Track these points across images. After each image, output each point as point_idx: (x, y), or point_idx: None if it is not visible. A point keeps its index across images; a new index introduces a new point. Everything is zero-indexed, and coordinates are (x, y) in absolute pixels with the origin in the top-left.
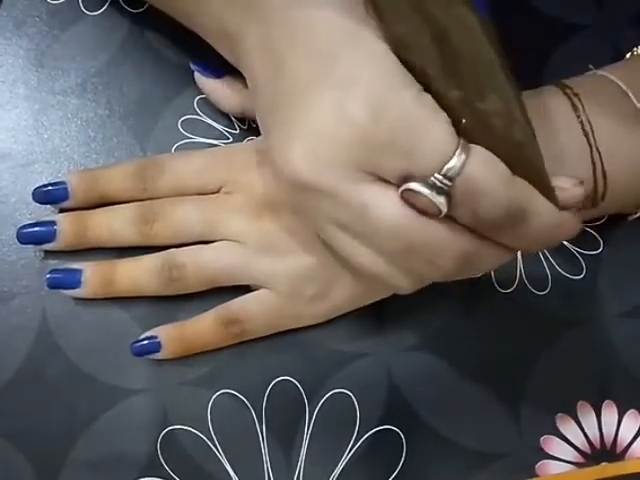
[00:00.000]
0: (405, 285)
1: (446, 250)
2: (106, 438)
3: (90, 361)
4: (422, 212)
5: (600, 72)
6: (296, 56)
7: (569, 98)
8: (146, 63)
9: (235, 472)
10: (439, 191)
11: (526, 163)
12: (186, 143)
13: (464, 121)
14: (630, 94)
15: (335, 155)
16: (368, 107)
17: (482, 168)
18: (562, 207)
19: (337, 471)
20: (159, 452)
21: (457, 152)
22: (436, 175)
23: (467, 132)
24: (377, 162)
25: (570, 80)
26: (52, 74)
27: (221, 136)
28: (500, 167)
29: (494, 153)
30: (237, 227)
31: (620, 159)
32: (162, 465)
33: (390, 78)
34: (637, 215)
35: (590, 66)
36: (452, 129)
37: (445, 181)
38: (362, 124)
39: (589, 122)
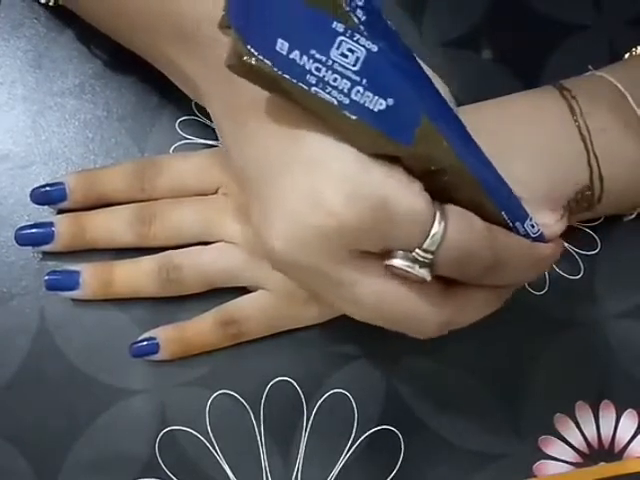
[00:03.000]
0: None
1: (426, 322)
2: (105, 438)
3: (89, 362)
4: (406, 278)
5: (599, 73)
6: (265, 132)
7: (567, 101)
8: (144, 64)
9: (233, 473)
10: (421, 264)
11: (488, 204)
12: (184, 144)
13: (447, 177)
14: (629, 97)
15: (315, 241)
16: (340, 192)
17: (461, 231)
18: (547, 241)
19: (335, 471)
20: (157, 453)
21: (435, 222)
22: (417, 251)
23: (444, 188)
24: (357, 244)
25: (568, 81)
26: (50, 75)
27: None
28: (476, 222)
29: (467, 202)
30: (235, 228)
31: (617, 163)
32: (160, 466)
33: (358, 157)
34: (633, 216)
35: (589, 67)
36: (427, 197)
37: (426, 255)
38: (338, 212)
39: (587, 126)
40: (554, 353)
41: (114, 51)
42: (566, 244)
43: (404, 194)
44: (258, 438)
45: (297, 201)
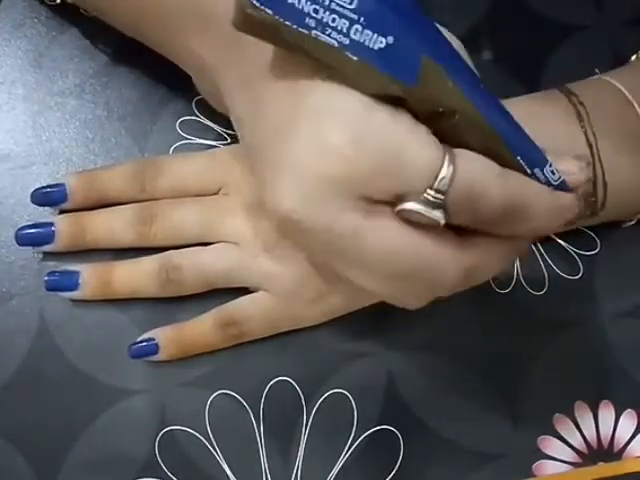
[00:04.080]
0: (412, 303)
1: (447, 270)
2: (104, 438)
3: (89, 362)
4: (421, 226)
5: (605, 77)
6: (271, 94)
7: (574, 106)
8: (144, 64)
9: (233, 472)
10: (434, 206)
11: (506, 153)
12: (184, 144)
13: (457, 117)
14: (635, 104)
15: (324, 190)
16: (347, 135)
17: (472, 172)
18: (570, 190)
19: (335, 471)
20: (157, 452)
21: (445, 163)
22: (428, 191)
23: (455, 131)
24: (367, 189)
25: (575, 85)
26: (50, 75)
27: (219, 137)
28: (489, 165)
29: (481, 148)
30: (235, 229)
31: (621, 171)
32: (160, 465)
33: (363, 102)
34: (632, 222)
35: (595, 70)
36: (435, 139)
37: (438, 195)
38: (345, 154)
39: (593, 133)
40: (553, 353)
41: (115, 51)
42: (566, 244)
43: (411, 135)
44: (258, 438)
45: (303, 152)
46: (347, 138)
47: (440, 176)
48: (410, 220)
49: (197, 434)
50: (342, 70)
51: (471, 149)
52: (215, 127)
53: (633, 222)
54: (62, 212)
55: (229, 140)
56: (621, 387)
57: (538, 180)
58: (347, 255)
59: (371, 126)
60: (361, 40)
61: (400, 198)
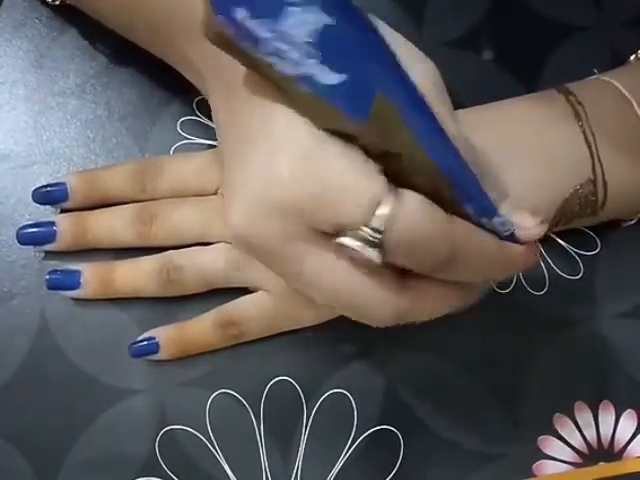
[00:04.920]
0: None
1: (381, 311)
2: (105, 438)
3: (89, 361)
4: (360, 264)
5: (604, 77)
6: (247, 107)
7: (572, 106)
8: (145, 64)
9: (233, 472)
10: (371, 244)
11: (451, 194)
12: (185, 144)
13: (403, 160)
14: (634, 103)
15: (268, 215)
16: (294, 169)
17: (415, 214)
18: (522, 243)
19: (335, 471)
20: (158, 452)
21: (386, 200)
22: (363, 229)
23: (405, 173)
24: (307, 219)
25: (573, 85)
26: (51, 75)
27: None
28: (435, 209)
29: (430, 191)
30: None
31: (621, 170)
32: (161, 465)
33: (316, 135)
34: (633, 222)
35: (594, 70)
36: (382, 178)
37: (375, 234)
38: (288, 187)
39: (592, 132)
40: (553, 353)
41: (115, 51)
42: (566, 244)
43: (356, 171)
44: (258, 437)
45: (253, 178)
46: (292, 171)
47: (378, 213)
48: (347, 257)
49: (197, 434)
50: (295, 99)
51: (418, 191)
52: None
53: (633, 222)
54: (63, 211)
55: None
56: (621, 387)
57: (485, 229)
58: (294, 277)
59: (319, 159)
60: (314, 74)
61: (339, 231)
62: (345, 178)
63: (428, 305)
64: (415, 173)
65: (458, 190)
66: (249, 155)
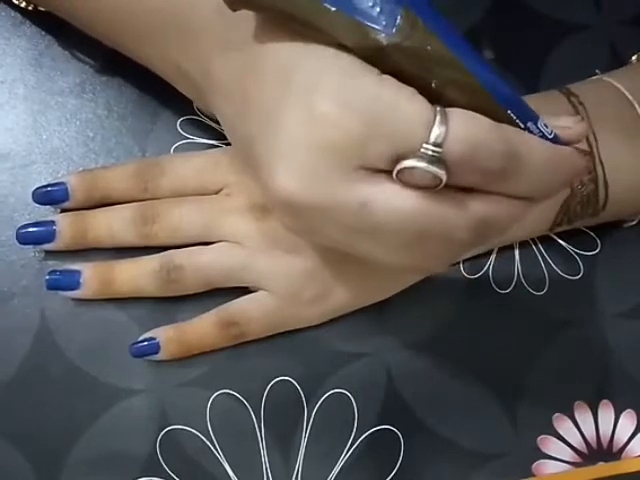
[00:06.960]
0: (433, 267)
1: (458, 223)
2: (106, 438)
3: (90, 361)
4: (423, 188)
5: (605, 78)
6: (256, 84)
7: (574, 107)
8: None
9: (234, 472)
10: (433, 160)
11: (496, 109)
12: (185, 143)
13: (434, 84)
14: (636, 105)
15: (320, 162)
16: (336, 102)
17: (466, 124)
18: (565, 144)
19: (335, 471)
20: (158, 452)
21: (437, 118)
22: (424, 145)
23: (441, 94)
24: (363, 154)
25: (575, 86)
26: (51, 74)
27: (220, 136)
28: (482, 119)
29: (470, 107)
30: (236, 228)
31: (622, 171)
32: (161, 465)
33: (347, 70)
34: (634, 222)
35: (596, 71)
36: (423, 98)
37: (436, 149)
38: (336, 120)
39: (593, 133)
40: (553, 353)
41: (115, 50)
42: (566, 244)
43: (399, 95)
44: (259, 437)
45: (294, 127)
46: (336, 105)
47: (434, 129)
48: (412, 184)
49: (198, 433)
50: (319, 23)
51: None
52: (216, 126)
53: (634, 222)
54: (63, 211)
55: None
56: (621, 387)
57: (532, 134)
58: (358, 229)
59: (358, 91)
60: None
61: (398, 159)
62: (391, 104)
63: (500, 213)
64: (452, 91)
65: (499, 98)
66: (280, 113)
